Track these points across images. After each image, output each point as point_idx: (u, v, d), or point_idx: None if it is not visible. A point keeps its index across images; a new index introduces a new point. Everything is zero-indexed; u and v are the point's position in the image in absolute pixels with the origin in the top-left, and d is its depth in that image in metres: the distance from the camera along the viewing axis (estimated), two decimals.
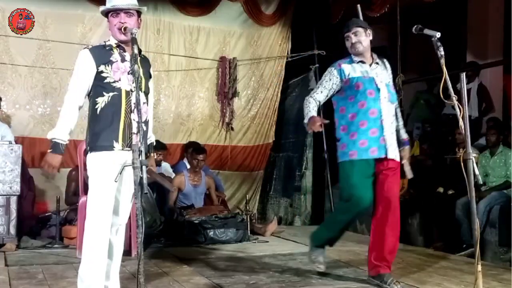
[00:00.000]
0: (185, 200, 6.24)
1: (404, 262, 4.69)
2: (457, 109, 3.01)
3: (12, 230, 5.08)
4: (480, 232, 5.00)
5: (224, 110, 7.31)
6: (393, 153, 3.83)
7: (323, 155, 7.37)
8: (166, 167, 6.62)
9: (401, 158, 3.92)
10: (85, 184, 4.77)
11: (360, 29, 3.87)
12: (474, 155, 3.08)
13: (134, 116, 3.12)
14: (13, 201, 5.10)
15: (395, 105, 3.96)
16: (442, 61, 3.13)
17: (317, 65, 7.46)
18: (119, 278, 3.35)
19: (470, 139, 3.04)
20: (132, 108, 3.12)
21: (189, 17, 7.03)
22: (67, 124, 3.10)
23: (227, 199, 6.98)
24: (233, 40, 7.36)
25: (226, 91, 7.25)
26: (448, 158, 6.40)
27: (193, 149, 6.48)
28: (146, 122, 3.08)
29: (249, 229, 5.93)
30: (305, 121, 3.89)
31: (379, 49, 7.20)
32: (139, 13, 3.21)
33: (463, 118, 2.99)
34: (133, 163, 2.78)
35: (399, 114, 4.04)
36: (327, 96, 3.98)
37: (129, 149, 3.10)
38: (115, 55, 3.16)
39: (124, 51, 3.18)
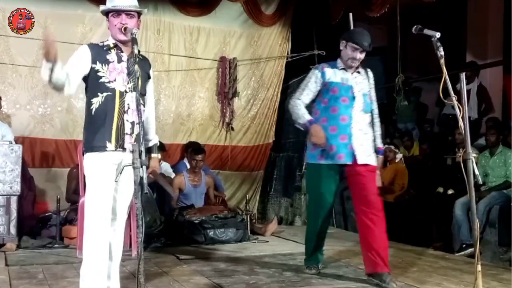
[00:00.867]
0: (186, 200, 6.24)
1: (404, 262, 4.70)
2: (457, 110, 3.02)
3: (13, 230, 5.08)
4: (480, 232, 5.02)
5: (224, 110, 7.31)
6: (364, 159, 3.92)
7: None
8: (166, 167, 6.63)
9: None
10: (85, 184, 4.79)
11: (364, 51, 3.98)
12: (474, 155, 3.09)
13: (127, 117, 3.13)
14: (14, 201, 5.11)
15: (370, 115, 4.04)
16: (442, 61, 3.13)
17: (317, 65, 7.45)
18: (119, 278, 3.36)
19: (470, 139, 3.04)
20: (126, 109, 3.13)
21: (189, 17, 7.03)
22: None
23: (227, 199, 6.99)
24: (233, 40, 7.37)
25: (226, 91, 7.25)
26: (448, 158, 6.41)
27: (192, 149, 6.49)
28: (142, 123, 3.08)
29: (249, 229, 5.93)
30: (301, 123, 3.98)
31: (379, 49, 7.24)
32: (139, 14, 3.21)
33: (462, 118, 3.00)
34: (133, 163, 2.78)
35: (377, 123, 4.11)
36: (311, 99, 4.08)
37: (122, 149, 3.11)
38: (112, 55, 3.16)
39: (122, 51, 3.19)
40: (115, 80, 3.13)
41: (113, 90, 3.12)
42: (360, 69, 4.07)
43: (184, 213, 5.78)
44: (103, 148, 3.10)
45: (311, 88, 4.05)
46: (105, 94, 3.11)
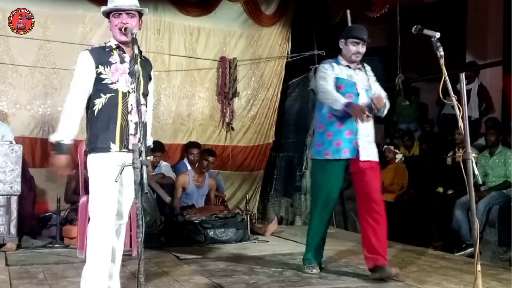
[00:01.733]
0: (187, 200, 6.24)
1: (403, 261, 4.70)
2: (457, 110, 3.02)
3: (13, 230, 5.09)
4: (480, 232, 5.01)
5: (224, 110, 7.31)
6: (366, 156, 4.00)
7: None
8: (166, 167, 6.63)
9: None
10: (86, 184, 4.79)
11: (365, 43, 4.06)
12: (474, 155, 3.09)
13: (131, 118, 3.13)
14: (14, 201, 5.11)
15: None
16: (442, 61, 3.14)
17: (317, 65, 7.46)
18: (120, 278, 3.36)
19: (470, 139, 3.05)
20: (129, 109, 3.13)
21: (189, 17, 7.03)
22: (69, 125, 3.08)
23: (227, 199, 6.99)
24: (233, 40, 7.37)
25: (226, 91, 7.25)
26: (448, 158, 6.42)
27: (204, 150, 6.57)
28: (144, 124, 3.09)
29: (249, 229, 5.94)
30: (339, 107, 3.89)
31: (379, 49, 7.24)
32: (140, 14, 3.22)
33: (462, 118, 3.00)
34: (133, 163, 2.79)
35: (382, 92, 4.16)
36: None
37: (127, 150, 3.11)
38: (115, 57, 3.17)
39: (124, 52, 3.19)
40: (118, 81, 3.13)
41: (116, 91, 3.12)
42: (360, 65, 4.15)
43: (184, 213, 5.79)
44: (107, 149, 3.10)
45: (331, 76, 4.05)
46: (108, 95, 3.11)
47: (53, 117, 6.40)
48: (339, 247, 5.35)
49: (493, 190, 5.45)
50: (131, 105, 3.13)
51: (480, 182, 3.20)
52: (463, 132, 3.03)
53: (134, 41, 2.98)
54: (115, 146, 3.11)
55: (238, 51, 7.38)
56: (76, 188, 5.50)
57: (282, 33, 7.56)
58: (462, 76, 3.09)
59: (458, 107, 3.01)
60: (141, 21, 3.24)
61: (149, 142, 3.45)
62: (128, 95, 3.13)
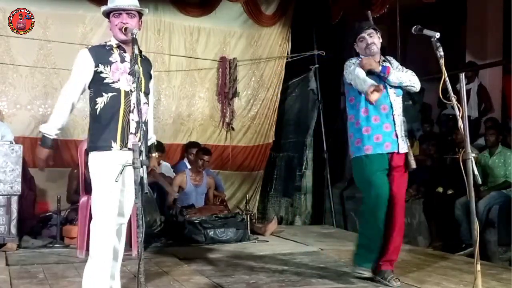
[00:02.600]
0: (186, 200, 6.25)
1: (403, 261, 4.70)
2: (457, 110, 3.02)
3: (13, 230, 5.09)
4: (479, 231, 5.01)
5: (225, 110, 7.32)
6: (404, 147, 3.90)
7: (323, 155, 7.39)
8: (166, 167, 6.64)
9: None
10: (86, 184, 4.80)
11: (373, 31, 3.97)
12: (474, 155, 3.09)
13: (132, 116, 3.14)
14: (14, 201, 5.11)
15: (402, 97, 4.01)
16: (442, 61, 3.14)
17: (317, 65, 7.47)
18: (120, 278, 3.37)
19: (470, 139, 3.05)
20: (131, 108, 3.14)
21: (189, 17, 7.04)
22: (58, 119, 3.18)
23: (227, 199, 6.99)
24: (233, 40, 7.38)
25: (226, 91, 7.26)
26: (448, 158, 6.42)
27: (199, 149, 6.54)
28: (146, 123, 3.10)
29: (249, 228, 5.94)
30: (365, 88, 3.69)
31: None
32: (140, 14, 3.22)
33: (462, 118, 3.00)
34: (133, 163, 2.79)
35: (408, 72, 4.07)
36: None
37: (127, 149, 3.12)
38: (115, 56, 3.17)
39: (124, 51, 3.20)
40: (119, 80, 3.14)
41: (118, 90, 3.13)
42: (384, 59, 4.03)
43: (184, 213, 5.79)
44: (108, 148, 3.11)
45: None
46: (110, 94, 3.12)
47: None
48: (339, 247, 5.36)
49: (492, 190, 5.46)
50: (133, 104, 3.13)
51: (480, 182, 3.19)
52: (463, 132, 3.03)
53: (134, 41, 2.99)
54: (116, 145, 3.12)
55: (238, 51, 7.39)
56: (78, 187, 5.50)
57: (282, 33, 7.57)
58: (462, 76, 3.09)
59: (458, 107, 3.02)
60: (141, 21, 3.24)
61: (153, 139, 3.46)
62: (130, 94, 3.13)
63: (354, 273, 3.97)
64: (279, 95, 7.63)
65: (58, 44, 6.37)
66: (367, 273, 3.93)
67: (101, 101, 3.13)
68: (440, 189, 6.04)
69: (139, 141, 2.91)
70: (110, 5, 3.17)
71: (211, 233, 5.63)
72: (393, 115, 3.87)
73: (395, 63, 4.10)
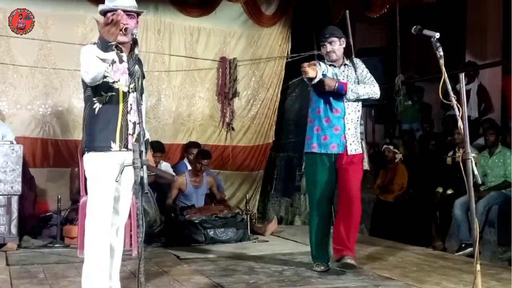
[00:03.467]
0: (186, 201, 6.24)
1: (403, 261, 4.71)
2: (456, 110, 3.03)
3: (13, 230, 5.10)
4: (479, 231, 5.02)
5: (225, 110, 7.32)
6: (354, 149, 4.16)
7: None
8: (166, 167, 6.63)
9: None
10: (86, 184, 4.80)
11: (335, 39, 4.23)
12: (473, 155, 3.09)
13: (130, 117, 3.13)
14: (14, 200, 5.13)
15: (359, 104, 4.25)
16: (442, 61, 3.14)
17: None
18: (120, 278, 3.37)
19: (469, 139, 3.05)
20: (129, 109, 3.13)
21: (189, 17, 7.04)
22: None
23: (227, 199, 6.99)
24: (233, 40, 7.37)
25: (226, 91, 7.26)
26: (448, 158, 6.42)
27: (198, 152, 6.50)
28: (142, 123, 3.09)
29: (249, 228, 5.95)
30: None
31: (378, 49, 7.24)
32: (138, 14, 3.22)
33: (462, 118, 3.00)
34: (133, 163, 2.79)
35: (373, 84, 4.31)
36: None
37: (126, 149, 3.12)
38: (115, 56, 3.17)
39: (122, 51, 3.19)
40: (119, 81, 3.13)
41: (117, 90, 3.12)
42: (347, 61, 4.31)
43: (185, 213, 5.79)
44: (107, 148, 3.10)
45: (319, 72, 4.18)
46: (109, 94, 3.11)
47: (53, 117, 6.41)
48: None
49: (492, 190, 5.46)
50: (131, 104, 3.13)
51: (480, 182, 3.21)
52: (462, 132, 3.03)
53: (135, 41, 2.99)
54: (115, 145, 3.11)
55: (238, 51, 7.38)
56: (79, 187, 5.50)
57: (282, 33, 7.56)
58: (462, 76, 3.09)
59: (458, 107, 3.02)
60: (138, 22, 3.23)
61: (147, 135, 3.44)
62: (128, 94, 3.13)
63: (312, 270, 4.25)
64: (279, 95, 7.63)
65: (58, 44, 6.37)
66: (323, 267, 4.24)
67: (100, 101, 3.12)
68: (440, 189, 6.04)
69: (135, 141, 2.90)
70: (110, 4, 3.16)
71: (211, 233, 5.63)
72: (344, 118, 4.14)
73: (360, 66, 4.32)
